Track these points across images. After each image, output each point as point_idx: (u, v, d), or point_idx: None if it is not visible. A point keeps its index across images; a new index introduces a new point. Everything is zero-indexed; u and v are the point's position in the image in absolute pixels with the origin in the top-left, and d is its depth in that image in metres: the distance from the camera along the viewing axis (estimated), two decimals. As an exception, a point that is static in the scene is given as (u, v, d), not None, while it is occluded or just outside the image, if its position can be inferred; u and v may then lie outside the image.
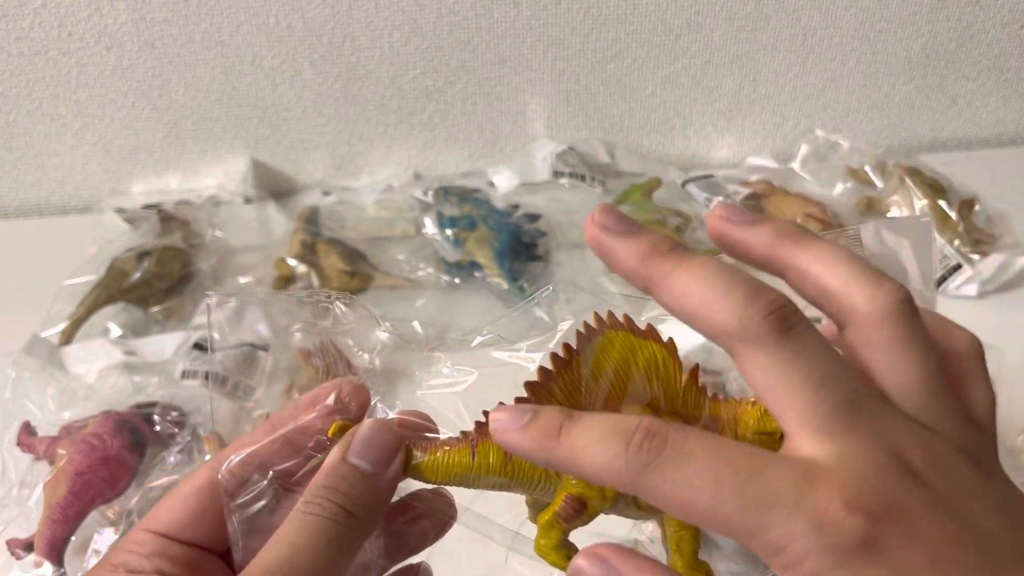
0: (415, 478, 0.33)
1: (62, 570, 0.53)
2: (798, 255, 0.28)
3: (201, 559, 0.31)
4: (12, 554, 0.54)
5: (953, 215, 0.86)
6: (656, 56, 0.95)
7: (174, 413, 0.63)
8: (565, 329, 0.36)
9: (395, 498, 0.33)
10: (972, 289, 0.81)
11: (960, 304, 0.81)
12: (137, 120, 0.92)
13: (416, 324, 0.65)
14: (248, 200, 0.94)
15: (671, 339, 0.34)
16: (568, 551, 0.33)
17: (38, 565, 0.53)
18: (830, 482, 0.23)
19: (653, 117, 1.00)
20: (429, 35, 0.90)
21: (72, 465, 0.56)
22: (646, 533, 0.49)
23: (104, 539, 0.55)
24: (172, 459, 0.59)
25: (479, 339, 0.37)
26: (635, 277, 0.29)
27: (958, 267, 0.81)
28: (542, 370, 0.32)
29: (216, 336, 0.55)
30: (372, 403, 0.34)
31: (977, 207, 0.89)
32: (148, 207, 0.91)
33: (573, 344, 0.33)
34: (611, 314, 0.33)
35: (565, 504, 0.32)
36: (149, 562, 0.30)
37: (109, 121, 0.92)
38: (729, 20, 0.93)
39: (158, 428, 0.62)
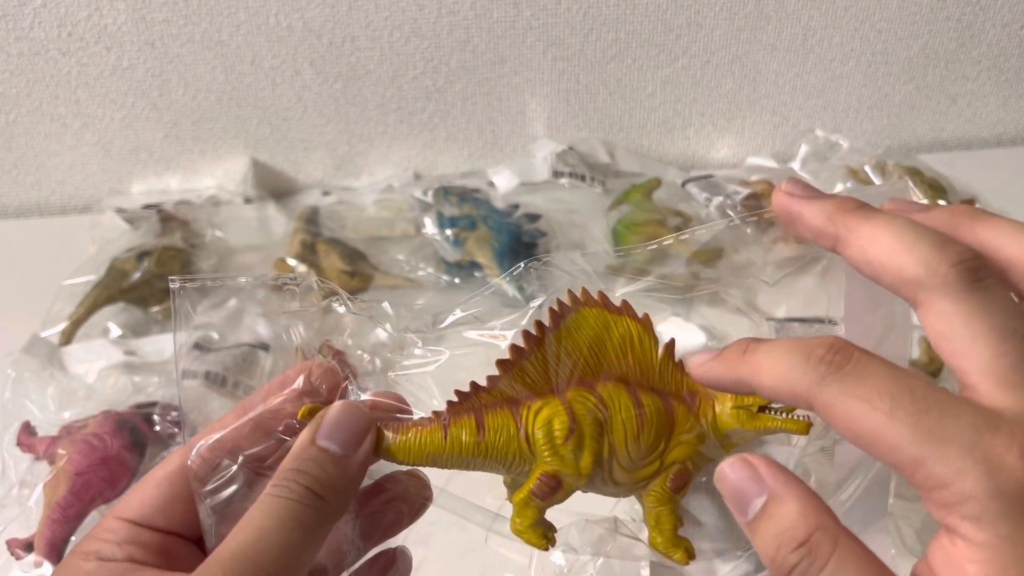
0: (387, 459, 0.33)
1: (62, 570, 0.53)
2: (981, 229, 0.28)
3: (174, 545, 0.31)
4: (12, 554, 0.54)
5: (953, 215, 0.86)
6: (656, 56, 0.95)
7: (174, 413, 0.63)
8: (536, 307, 0.36)
9: (369, 480, 0.33)
10: (972, 289, 0.80)
11: (960, 304, 0.80)
12: (137, 120, 0.92)
13: (386, 305, 0.64)
14: (248, 200, 0.95)
15: (646, 315, 0.34)
16: (544, 529, 0.33)
17: (38, 565, 0.53)
18: (1012, 432, 0.23)
19: (653, 117, 1.00)
20: (429, 35, 0.90)
21: (72, 465, 0.56)
22: (625, 511, 0.49)
23: None
24: (171, 459, 0.59)
25: (450, 319, 0.37)
26: (823, 235, 0.29)
27: (958, 267, 0.81)
28: (514, 348, 0.32)
29: (198, 334, 0.54)
30: (343, 385, 0.34)
31: (977, 207, 0.89)
32: (148, 207, 0.90)
33: (546, 322, 0.33)
34: (585, 291, 0.34)
35: (540, 482, 0.32)
36: (121, 549, 0.30)
37: (109, 121, 0.92)
38: (729, 20, 0.93)
39: (158, 428, 0.62)
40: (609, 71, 0.95)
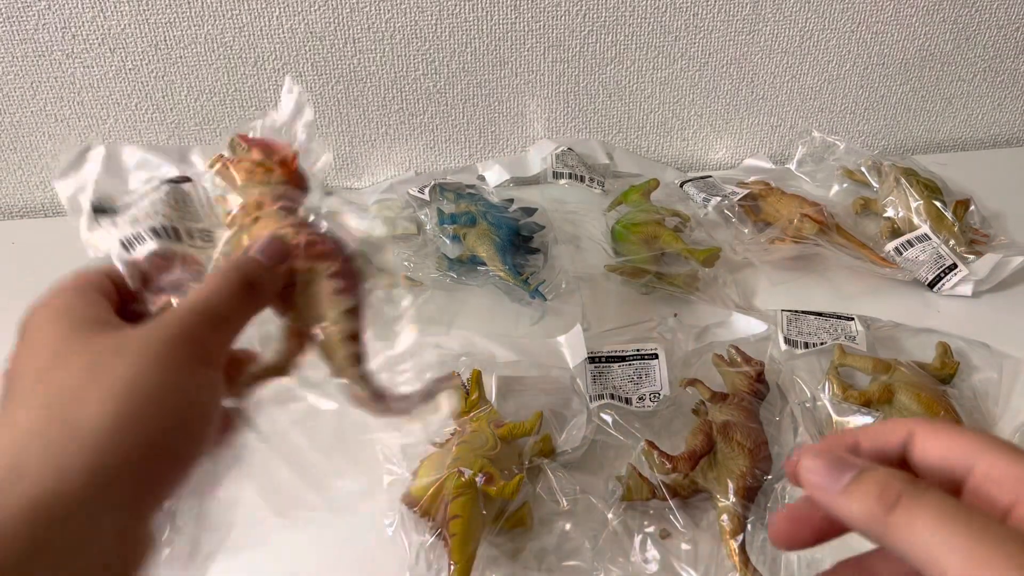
0: None
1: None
2: None
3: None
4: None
5: (948, 215, 0.87)
6: (654, 58, 0.96)
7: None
8: None
9: None
10: (967, 289, 0.81)
11: (955, 304, 0.81)
12: (141, 121, 0.93)
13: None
14: (250, 200, 0.95)
15: None
16: None
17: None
18: None
19: (651, 119, 1.01)
20: (430, 37, 0.91)
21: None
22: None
23: None
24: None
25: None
26: None
27: (953, 267, 0.82)
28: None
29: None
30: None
31: (972, 207, 0.90)
32: (151, 207, 0.91)
33: None
34: None
35: None
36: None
37: (113, 122, 0.93)
38: (726, 23, 0.94)
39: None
40: (608, 73, 0.96)
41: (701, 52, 0.96)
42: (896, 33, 0.97)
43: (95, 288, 0.39)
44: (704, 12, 0.92)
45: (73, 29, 0.85)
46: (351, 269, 0.47)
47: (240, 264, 0.40)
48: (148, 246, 0.47)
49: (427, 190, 0.90)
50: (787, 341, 0.73)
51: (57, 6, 0.84)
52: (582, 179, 0.95)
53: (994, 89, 1.04)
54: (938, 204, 0.88)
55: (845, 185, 0.96)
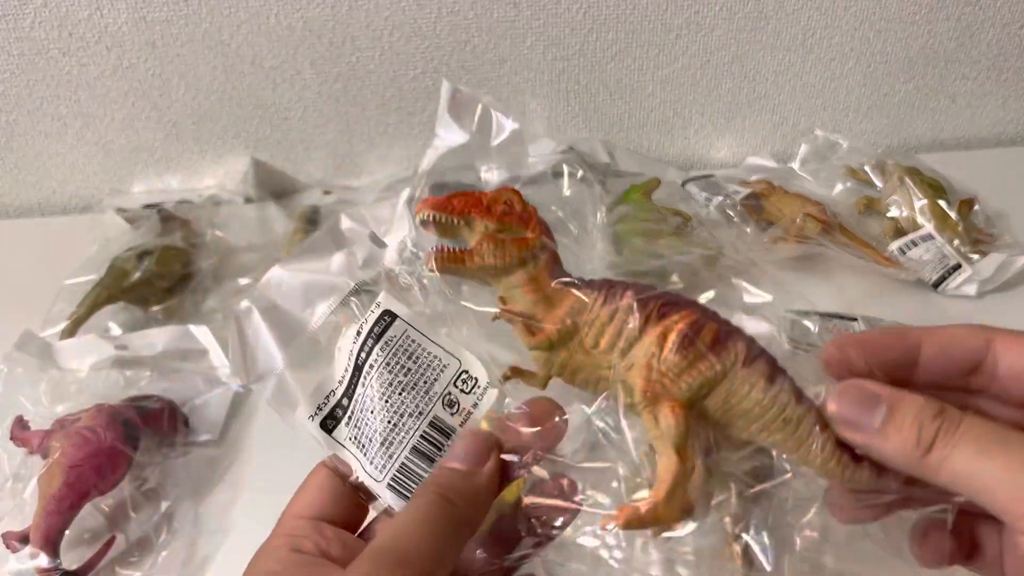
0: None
1: (58, 561, 0.53)
2: None
3: (349, 539, 0.34)
4: (8, 546, 0.54)
5: (952, 215, 0.86)
6: (656, 56, 0.95)
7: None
8: None
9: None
10: (971, 289, 0.81)
11: (959, 304, 0.80)
12: (138, 120, 0.92)
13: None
14: (248, 200, 0.95)
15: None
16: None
17: (34, 556, 0.53)
18: None
19: (653, 117, 1.00)
20: (429, 35, 0.90)
21: (66, 458, 0.56)
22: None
23: None
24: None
25: None
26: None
27: (957, 267, 0.81)
28: None
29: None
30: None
31: (976, 207, 0.89)
32: (149, 207, 0.91)
33: None
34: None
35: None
36: (311, 542, 0.33)
37: (110, 121, 0.92)
38: (728, 20, 0.93)
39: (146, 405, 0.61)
40: (609, 71, 0.96)
41: (703, 50, 0.95)
42: (899, 31, 0.96)
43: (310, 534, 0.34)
44: (706, 10, 0.92)
45: (69, 27, 0.85)
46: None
47: (434, 480, 0.34)
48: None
49: (426, 189, 0.90)
50: (790, 342, 0.72)
51: (53, 4, 0.83)
52: (583, 178, 0.95)
53: (999, 87, 1.03)
54: (942, 203, 0.87)
55: (848, 184, 0.95)
